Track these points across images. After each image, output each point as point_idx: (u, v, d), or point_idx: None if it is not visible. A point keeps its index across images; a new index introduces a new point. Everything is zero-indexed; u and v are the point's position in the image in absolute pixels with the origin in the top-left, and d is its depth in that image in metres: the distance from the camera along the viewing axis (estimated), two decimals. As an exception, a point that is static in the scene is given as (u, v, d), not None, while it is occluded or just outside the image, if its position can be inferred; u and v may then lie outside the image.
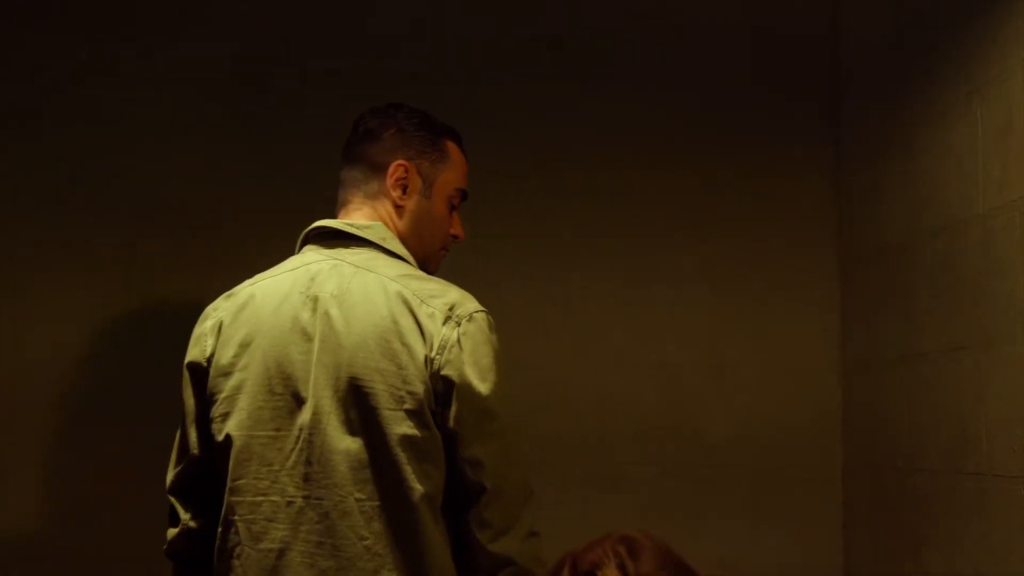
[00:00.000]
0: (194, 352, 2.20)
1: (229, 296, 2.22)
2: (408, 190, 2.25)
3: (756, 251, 3.43)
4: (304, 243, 2.25)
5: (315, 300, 2.12)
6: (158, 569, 2.46)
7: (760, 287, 3.43)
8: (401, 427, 2.04)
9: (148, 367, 3.21)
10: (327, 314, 2.10)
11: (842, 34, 3.47)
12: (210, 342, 2.18)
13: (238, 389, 2.12)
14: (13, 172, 3.30)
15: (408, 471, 2.04)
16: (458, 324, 2.07)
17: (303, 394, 2.08)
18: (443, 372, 2.05)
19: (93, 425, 3.23)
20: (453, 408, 2.06)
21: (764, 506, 3.37)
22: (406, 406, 2.04)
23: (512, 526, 2.07)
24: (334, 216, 2.27)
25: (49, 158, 3.30)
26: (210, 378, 2.16)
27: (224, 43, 3.36)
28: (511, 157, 3.39)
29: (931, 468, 2.87)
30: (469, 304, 2.12)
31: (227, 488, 2.12)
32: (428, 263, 2.29)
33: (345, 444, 2.05)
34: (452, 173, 2.31)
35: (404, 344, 2.06)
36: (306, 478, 2.07)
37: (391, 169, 2.24)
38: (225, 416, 2.13)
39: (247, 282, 2.23)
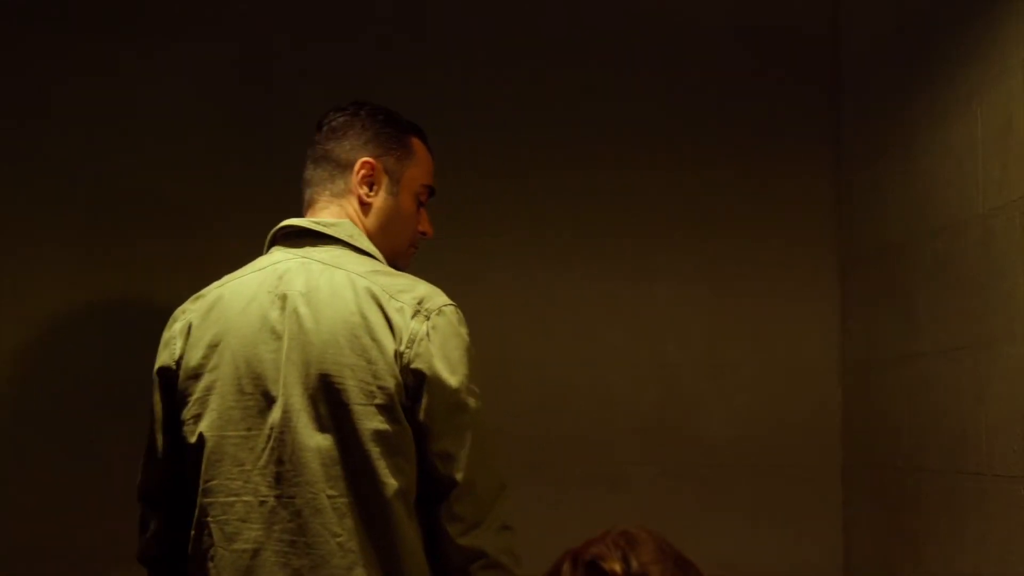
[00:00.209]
0: (163, 356, 2.19)
1: (198, 298, 2.22)
2: (375, 187, 2.24)
3: (756, 251, 3.43)
4: (272, 243, 2.24)
5: (283, 298, 2.11)
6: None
7: (760, 287, 3.43)
8: (372, 422, 2.04)
9: (148, 367, 3.21)
10: (296, 312, 2.09)
11: (842, 34, 3.47)
12: (179, 345, 2.17)
13: (208, 390, 2.12)
14: (13, 171, 3.30)
15: (380, 466, 2.03)
16: (427, 318, 2.07)
17: (273, 393, 2.08)
18: (413, 366, 2.05)
19: (92, 425, 3.23)
20: (423, 401, 2.05)
21: (764, 506, 3.37)
22: (377, 401, 2.04)
23: (483, 520, 2.06)
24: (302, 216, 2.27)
25: (49, 157, 3.30)
26: (179, 381, 2.15)
27: (224, 43, 3.37)
28: (511, 157, 3.39)
29: (931, 468, 2.87)
30: (438, 298, 2.12)
31: (199, 490, 2.11)
32: (397, 261, 2.28)
33: (316, 441, 2.05)
34: (418, 169, 2.30)
35: (374, 339, 2.06)
36: (278, 477, 2.06)
37: (357, 166, 2.24)
38: (197, 418, 2.12)
39: (215, 283, 2.23)
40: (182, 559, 2.16)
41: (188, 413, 2.14)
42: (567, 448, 3.34)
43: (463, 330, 2.12)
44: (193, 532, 2.13)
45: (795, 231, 3.46)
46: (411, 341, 2.05)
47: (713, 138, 3.44)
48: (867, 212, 3.30)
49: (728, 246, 3.42)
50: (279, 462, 2.06)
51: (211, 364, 2.12)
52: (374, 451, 2.04)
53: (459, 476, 2.05)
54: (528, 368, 3.35)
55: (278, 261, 2.18)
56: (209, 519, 2.10)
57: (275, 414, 2.07)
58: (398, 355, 2.05)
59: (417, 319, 2.07)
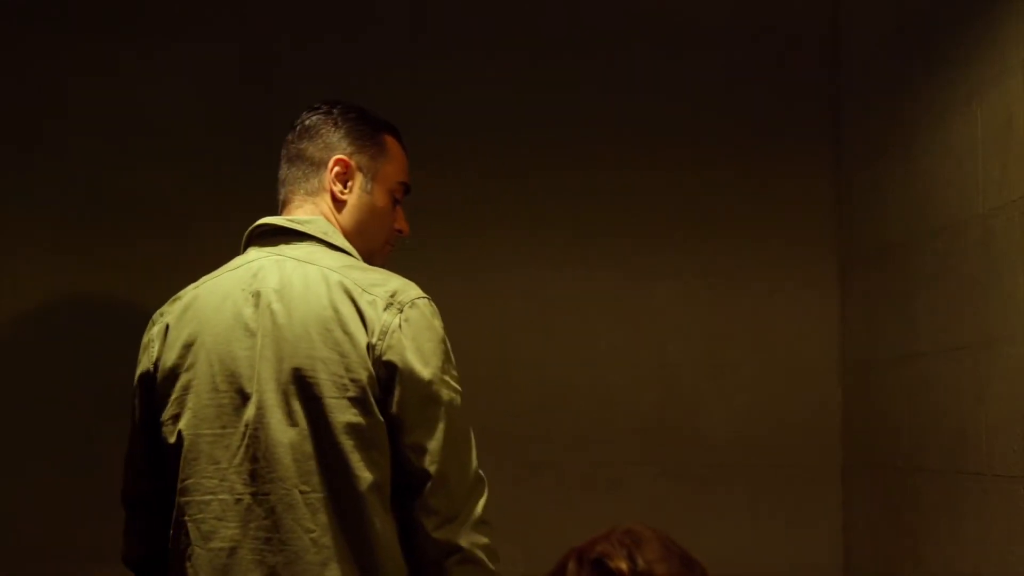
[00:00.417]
0: (143, 361, 2.21)
1: (175, 300, 2.22)
2: (348, 185, 2.25)
3: (756, 251, 3.43)
4: (248, 243, 2.24)
5: (257, 295, 2.11)
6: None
7: (760, 287, 3.43)
8: (345, 415, 2.03)
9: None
10: (270, 308, 2.09)
11: (842, 34, 3.47)
12: (156, 347, 2.18)
13: (185, 390, 2.12)
14: (12, 171, 3.30)
15: (354, 459, 2.03)
16: (400, 310, 2.07)
17: (248, 390, 2.08)
18: (385, 358, 2.04)
19: (92, 424, 3.23)
20: (396, 393, 2.04)
21: (764, 506, 3.37)
22: (349, 394, 2.04)
23: (458, 514, 2.05)
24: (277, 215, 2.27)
25: (49, 157, 3.30)
26: (158, 382, 2.16)
27: (224, 43, 3.37)
28: (511, 157, 3.39)
29: (931, 468, 2.87)
30: (411, 291, 2.11)
31: (177, 489, 2.11)
32: (373, 258, 2.27)
33: (288, 436, 2.05)
34: (392, 166, 2.30)
35: (346, 333, 2.05)
36: (253, 474, 2.06)
37: (331, 164, 2.24)
38: (175, 418, 2.12)
39: (192, 285, 2.23)
40: (164, 559, 2.15)
41: (167, 414, 2.14)
42: (567, 448, 3.34)
43: (437, 322, 2.11)
44: (171, 532, 2.12)
45: (795, 231, 3.46)
46: (383, 333, 2.05)
47: (713, 138, 3.44)
48: (867, 212, 3.30)
49: (728, 246, 3.42)
50: (254, 459, 2.06)
51: (187, 363, 2.12)
52: (347, 444, 2.03)
53: (432, 469, 2.04)
54: (528, 368, 3.35)
55: (252, 259, 2.18)
56: (186, 518, 2.09)
57: (250, 411, 2.07)
58: (370, 347, 2.04)
59: (389, 311, 2.06)
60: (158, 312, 2.23)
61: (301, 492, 2.04)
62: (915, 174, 2.99)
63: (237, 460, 2.07)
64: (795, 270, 3.45)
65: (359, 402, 2.04)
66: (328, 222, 2.21)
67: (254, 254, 2.20)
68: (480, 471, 2.10)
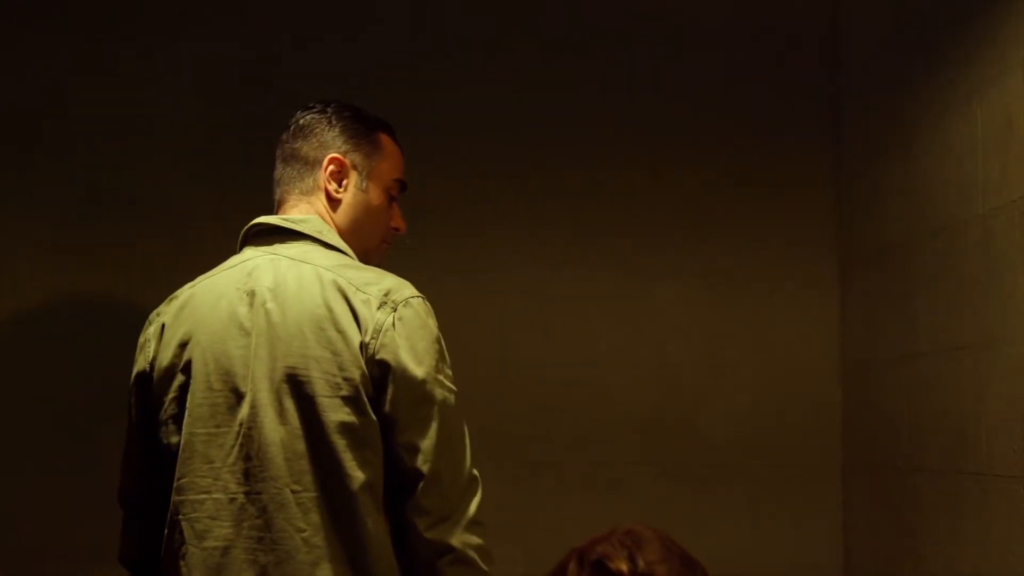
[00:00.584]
0: (140, 361, 2.21)
1: (171, 300, 2.23)
2: (343, 183, 2.25)
3: (756, 251, 3.43)
4: (243, 242, 2.24)
5: (252, 294, 2.11)
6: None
7: (760, 287, 3.43)
8: (338, 414, 2.03)
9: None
10: (264, 307, 2.09)
11: (842, 34, 3.47)
12: (153, 346, 2.18)
13: (181, 389, 2.12)
14: (12, 171, 3.30)
15: (346, 458, 2.02)
16: (394, 309, 2.06)
17: (242, 389, 2.07)
18: (378, 356, 2.04)
19: (91, 424, 3.23)
20: (389, 392, 2.04)
21: (764, 506, 3.37)
22: (342, 393, 2.03)
23: (451, 514, 2.04)
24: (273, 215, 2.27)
25: (48, 157, 3.30)
26: (154, 382, 2.16)
27: (224, 43, 3.37)
28: (511, 157, 3.39)
29: (931, 468, 2.87)
30: (405, 290, 2.10)
31: (173, 488, 2.11)
32: (369, 257, 2.27)
33: (281, 435, 2.04)
34: (388, 164, 2.30)
35: (339, 331, 2.05)
36: (246, 473, 2.06)
37: (325, 163, 2.24)
38: (174, 418, 2.13)
39: (188, 284, 2.23)
40: (159, 559, 2.15)
41: (165, 414, 2.14)
42: (567, 448, 3.34)
43: (431, 321, 2.10)
44: (166, 530, 2.12)
45: (795, 231, 3.46)
46: (376, 332, 2.04)
47: (713, 138, 3.44)
48: (867, 212, 3.30)
49: (728, 246, 3.42)
50: (247, 458, 2.06)
51: (182, 362, 2.12)
52: (340, 443, 2.03)
53: (425, 468, 2.03)
54: (528, 368, 3.35)
55: (248, 259, 2.18)
56: (180, 517, 2.09)
57: (244, 410, 2.07)
58: (363, 346, 2.04)
59: (383, 310, 2.06)
60: (155, 312, 2.23)
61: (293, 491, 2.04)
62: (915, 174, 2.99)
63: (231, 459, 2.07)
64: (795, 270, 3.45)
65: (352, 401, 2.03)
66: (323, 221, 2.21)
67: (249, 253, 2.20)
68: (475, 471, 2.09)
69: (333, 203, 2.24)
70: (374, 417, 2.04)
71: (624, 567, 1.46)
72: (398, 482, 2.05)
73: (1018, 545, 2.45)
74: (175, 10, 3.37)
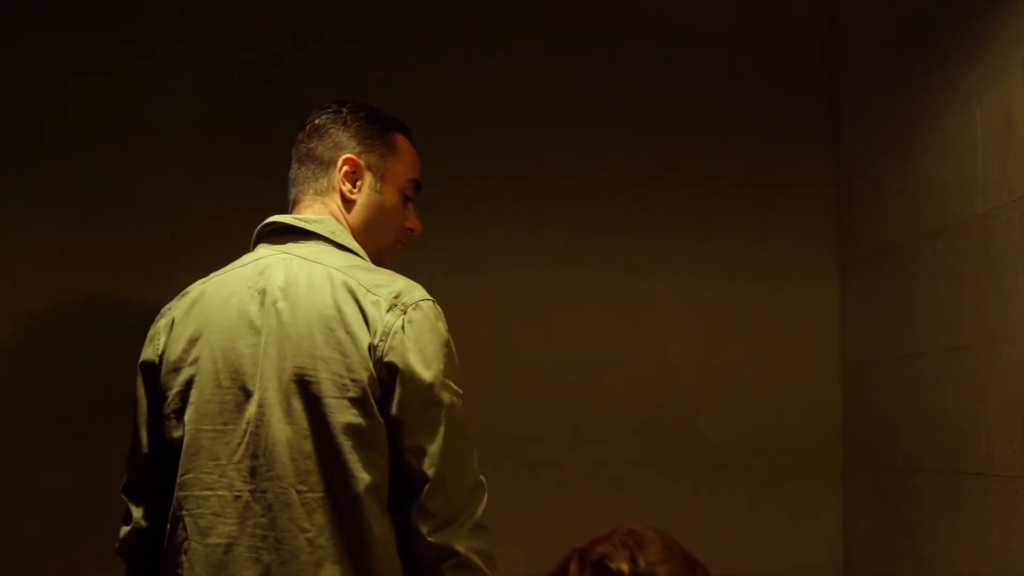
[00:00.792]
0: (147, 351, 2.21)
1: (183, 295, 2.23)
2: (358, 184, 2.25)
3: (756, 251, 3.43)
4: (257, 240, 2.25)
5: (263, 293, 2.12)
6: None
7: (760, 287, 3.43)
8: (345, 415, 2.03)
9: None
10: (275, 306, 2.10)
11: (842, 34, 3.47)
12: (162, 340, 2.18)
13: (188, 384, 2.13)
14: (12, 171, 3.30)
15: (352, 460, 2.03)
16: (403, 312, 2.07)
17: (250, 387, 2.08)
18: (386, 359, 2.04)
19: (92, 424, 3.23)
20: (396, 395, 2.04)
21: (764, 506, 3.37)
22: (350, 394, 2.03)
23: (456, 518, 2.04)
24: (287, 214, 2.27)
25: (48, 157, 3.30)
26: (162, 375, 2.17)
27: (224, 43, 3.37)
28: (511, 157, 3.39)
29: (931, 468, 2.87)
30: (416, 292, 2.11)
31: (176, 483, 2.11)
32: (383, 257, 2.28)
33: (287, 435, 2.05)
34: (402, 164, 2.30)
35: (348, 332, 2.05)
36: (252, 472, 2.06)
37: (339, 163, 2.24)
38: (178, 412, 2.13)
39: (200, 280, 2.24)
40: (159, 553, 2.15)
41: (169, 407, 2.14)
42: (567, 448, 3.34)
43: (441, 325, 2.10)
44: (169, 525, 2.13)
45: (795, 231, 3.46)
46: (385, 334, 2.05)
47: (713, 138, 3.44)
48: (867, 212, 3.30)
49: (728, 246, 3.42)
50: (254, 456, 2.06)
51: (191, 358, 2.13)
52: (346, 445, 2.03)
53: (431, 472, 2.03)
54: (528, 368, 3.35)
55: (260, 257, 2.19)
56: (184, 513, 2.10)
57: (251, 408, 2.07)
58: (372, 348, 2.04)
59: (392, 313, 2.06)
60: (166, 306, 2.24)
61: (298, 491, 2.04)
62: (915, 174, 2.99)
63: (237, 457, 2.07)
64: (795, 270, 3.45)
65: (359, 403, 2.03)
66: (337, 222, 2.22)
67: (262, 251, 2.20)
68: (481, 476, 2.09)
69: (347, 204, 2.25)
70: (381, 419, 2.04)
71: (625, 567, 1.46)
72: (404, 485, 2.06)
73: (1018, 545, 2.45)
74: (175, 10, 3.37)
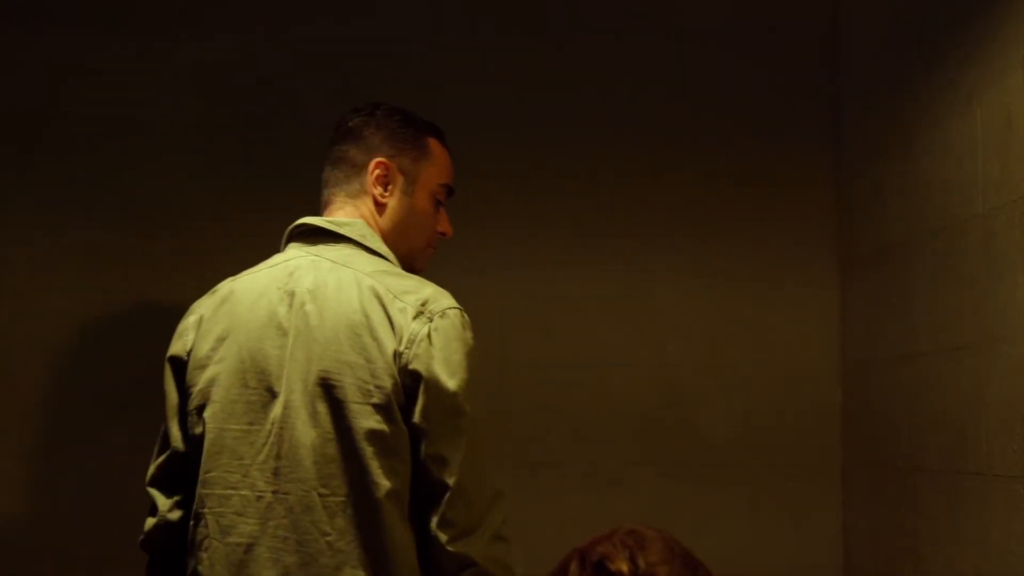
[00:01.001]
0: (176, 346, 2.22)
1: (212, 292, 2.24)
2: (389, 188, 2.25)
3: (756, 251, 3.43)
4: (288, 240, 2.26)
5: (292, 295, 2.13)
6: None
7: (760, 287, 3.43)
8: (368, 421, 2.04)
9: (148, 367, 3.21)
10: (303, 309, 2.10)
11: (842, 34, 3.47)
12: (191, 336, 2.19)
13: (212, 382, 2.13)
14: (12, 171, 3.30)
15: (374, 466, 2.03)
16: (430, 320, 2.07)
17: (276, 388, 2.09)
18: (411, 367, 2.04)
19: (91, 425, 3.23)
20: (419, 403, 2.04)
21: (763, 506, 3.37)
22: (373, 400, 2.04)
23: (475, 527, 2.05)
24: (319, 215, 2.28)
25: (49, 157, 3.30)
26: (188, 371, 2.18)
27: (224, 43, 3.36)
28: (511, 157, 3.39)
29: (931, 468, 2.87)
30: (443, 300, 2.11)
31: (199, 480, 2.12)
32: (414, 261, 2.29)
33: (311, 438, 2.05)
34: (435, 168, 2.31)
35: (374, 338, 2.06)
36: (275, 472, 2.07)
37: (371, 167, 2.25)
38: (200, 409, 2.14)
39: (230, 278, 2.25)
40: (182, 547, 2.16)
41: (192, 404, 2.16)
42: (567, 448, 3.33)
43: (467, 334, 2.11)
44: (191, 522, 2.14)
45: (795, 231, 3.45)
46: (411, 342, 2.05)
47: (713, 138, 3.44)
48: (867, 212, 3.30)
49: (728, 246, 3.42)
50: (277, 457, 2.07)
51: (217, 356, 2.14)
52: (368, 450, 2.03)
53: (451, 481, 2.04)
54: (528, 368, 3.35)
55: (290, 258, 2.20)
56: (206, 510, 2.11)
57: (276, 410, 2.08)
58: (397, 355, 2.05)
59: (419, 320, 2.07)
60: (196, 303, 2.25)
61: (320, 495, 2.05)
62: (915, 174, 2.99)
63: (261, 457, 2.08)
64: (795, 270, 3.44)
65: (383, 409, 2.04)
66: (367, 225, 2.22)
67: (292, 253, 2.21)
68: (499, 486, 2.10)
69: (379, 207, 2.25)
70: (404, 426, 2.05)
71: (625, 568, 1.46)
72: (425, 493, 2.06)
73: (1018, 545, 2.45)
74: (175, 10, 3.37)
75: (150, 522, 2.23)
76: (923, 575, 2.91)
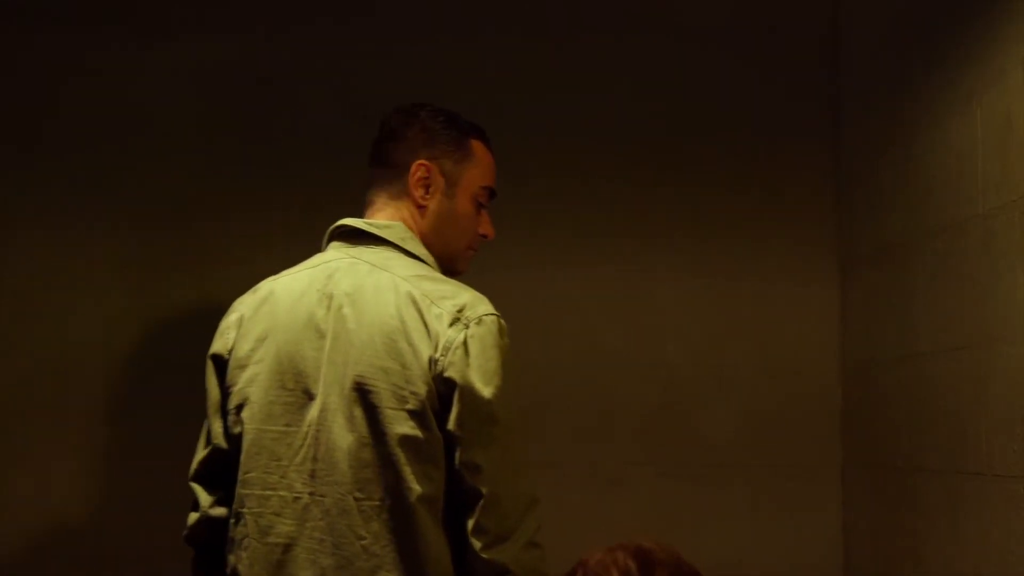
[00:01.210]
0: (217, 344, 2.23)
1: (253, 291, 2.26)
2: (430, 190, 2.25)
3: (756, 251, 3.43)
4: (329, 239, 2.26)
5: (330, 297, 2.13)
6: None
7: (760, 287, 3.42)
8: (402, 427, 2.04)
9: (151, 367, 3.21)
10: (340, 312, 2.11)
11: (842, 34, 3.47)
12: (232, 335, 2.21)
13: (251, 382, 2.15)
14: (12, 171, 3.30)
15: (407, 471, 2.03)
16: (466, 326, 2.07)
17: (313, 391, 2.10)
18: (446, 374, 2.04)
19: (91, 425, 3.23)
20: (454, 410, 2.04)
21: (763, 506, 3.37)
22: (408, 406, 2.04)
23: (510, 535, 2.04)
24: (357, 215, 2.28)
25: (49, 157, 3.30)
26: (228, 370, 2.19)
27: (224, 42, 3.36)
28: (511, 157, 3.38)
29: (931, 468, 2.87)
30: (480, 307, 2.11)
31: (238, 480, 2.14)
32: (454, 263, 2.29)
33: (347, 442, 2.06)
34: (477, 171, 2.30)
35: (410, 344, 2.06)
36: (312, 474, 2.08)
37: (412, 169, 2.24)
38: (239, 408, 2.16)
39: (271, 278, 2.26)
40: (224, 543, 2.18)
41: (232, 403, 2.17)
42: (567, 448, 3.33)
43: (504, 341, 2.11)
44: (231, 520, 2.16)
45: (795, 231, 3.45)
46: (446, 349, 2.05)
47: (713, 138, 3.44)
48: (867, 212, 3.29)
49: (728, 246, 3.42)
50: (314, 459, 2.08)
51: (257, 356, 2.15)
52: (401, 456, 2.04)
53: (485, 489, 2.04)
54: (528, 368, 3.34)
55: (330, 260, 2.20)
56: (245, 510, 2.13)
57: (313, 412, 2.09)
58: (432, 362, 2.05)
59: (455, 327, 2.06)
60: (237, 300, 2.26)
61: (356, 499, 2.05)
62: (915, 174, 2.99)
63: (299, 459, 2.09)
64: (795, 270, 3.44)
65: (417, 415, 2.04)
66: (407, 228, 2.22)
67: (332, 254, 2.22)
68: (535, 494, 2.09)
69: (420, 209, 2.25)
70: (439, 433, 2.05)
71: None
72: (460, 500, 2.06)
73: (1018, 545, 2.45)
74: (175, 9, 3.37)
75: (192, 517, 2.25)
76: (923, 575, 2.91)
